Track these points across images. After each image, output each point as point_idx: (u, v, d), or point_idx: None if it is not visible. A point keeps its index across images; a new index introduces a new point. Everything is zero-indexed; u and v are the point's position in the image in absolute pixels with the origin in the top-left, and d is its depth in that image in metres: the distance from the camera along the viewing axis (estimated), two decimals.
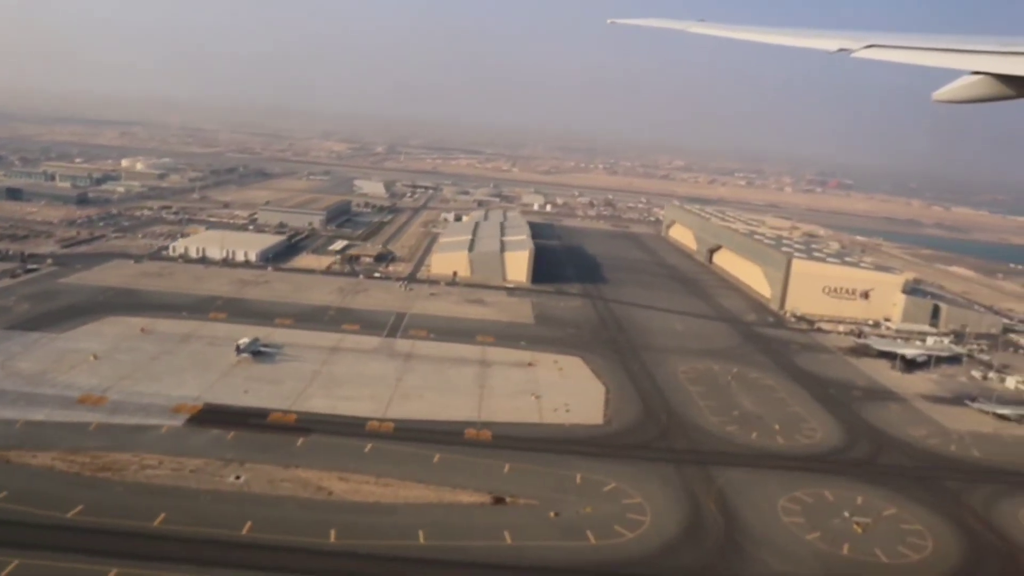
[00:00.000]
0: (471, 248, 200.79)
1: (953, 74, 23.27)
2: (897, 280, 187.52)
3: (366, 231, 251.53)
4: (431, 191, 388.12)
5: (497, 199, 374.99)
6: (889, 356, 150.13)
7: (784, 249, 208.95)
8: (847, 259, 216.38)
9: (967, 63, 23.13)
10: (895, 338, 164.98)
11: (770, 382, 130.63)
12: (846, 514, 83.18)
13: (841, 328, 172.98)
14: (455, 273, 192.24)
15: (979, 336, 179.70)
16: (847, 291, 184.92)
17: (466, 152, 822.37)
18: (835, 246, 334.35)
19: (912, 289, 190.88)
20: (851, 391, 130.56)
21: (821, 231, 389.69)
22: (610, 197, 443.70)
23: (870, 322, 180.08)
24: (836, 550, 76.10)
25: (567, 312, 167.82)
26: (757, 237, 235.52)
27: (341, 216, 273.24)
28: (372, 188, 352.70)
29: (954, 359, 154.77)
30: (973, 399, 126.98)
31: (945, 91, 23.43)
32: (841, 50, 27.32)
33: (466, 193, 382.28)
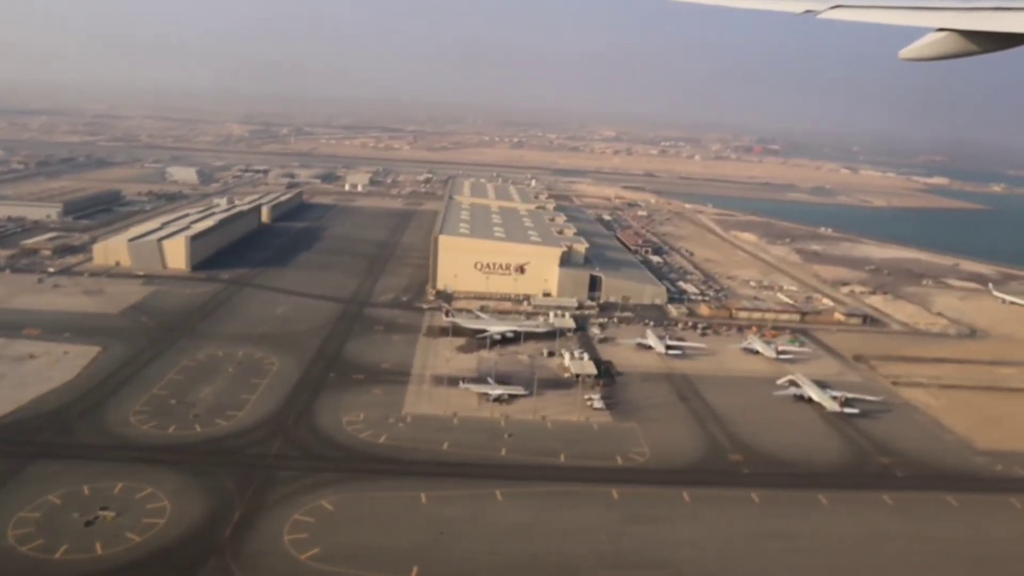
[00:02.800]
0: (142, 237, 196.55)
1: (919, 32, 23.48)
2: (554, 253, 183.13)
3: (101, 222, 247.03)
4: (261, 174, 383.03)
5: (319, 180, 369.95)
6: (478, 334, 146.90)
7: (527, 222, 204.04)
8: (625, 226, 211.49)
9: (932, 20, 23.36)
10: (502, 316, 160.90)
11: (274, 366, 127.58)
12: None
13: (490, 304, 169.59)
14: (117, 263, 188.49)
15: (643, 307, 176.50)
16: (501, 266, 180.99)
17: (386, 130, 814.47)
18: (642, 213, 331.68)
19: (567, 260, 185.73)
20: (369, 371, 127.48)
21: (653, 199, 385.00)
22: (454, 173, 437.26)
23: (520, 296, 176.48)
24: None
25: (179, 300, 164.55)
26: (496, 212, 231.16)
27: (98, 206, 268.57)
28: (183, 175, 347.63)
29: (552, 334, 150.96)
30: (466, 380, 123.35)
31: (911, 49, 23.59)
32: (807, 12, 27.37)
33: (291, 176, 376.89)
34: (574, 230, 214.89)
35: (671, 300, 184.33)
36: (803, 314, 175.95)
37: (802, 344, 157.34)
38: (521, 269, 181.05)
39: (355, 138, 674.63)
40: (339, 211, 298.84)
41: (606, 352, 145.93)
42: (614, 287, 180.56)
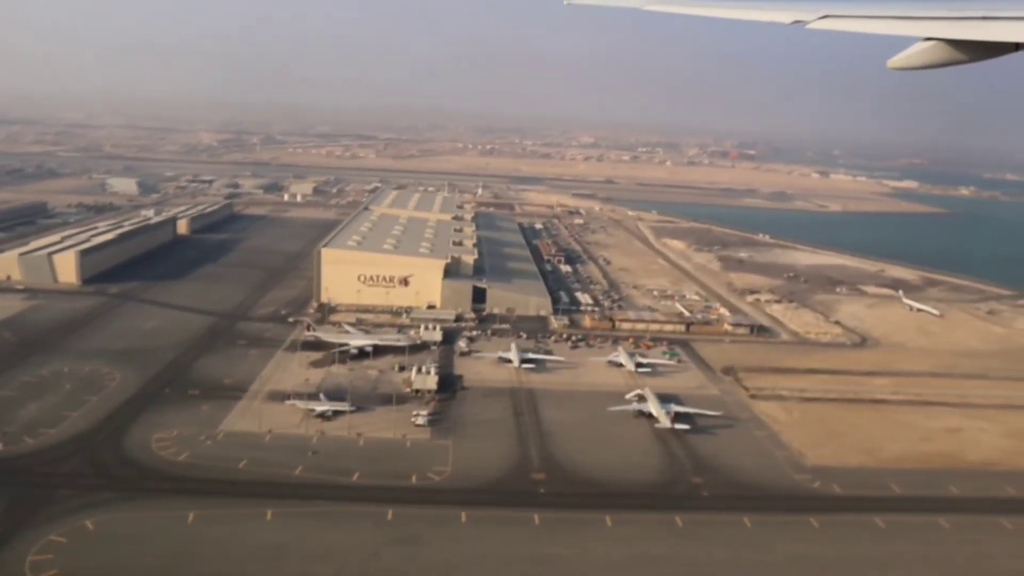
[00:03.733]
0: (35, 251, 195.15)
1: (907, 41, 23.79)
2: (437, 264, 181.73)
3: (18, 234, 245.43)
4: (206, 185, 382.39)
5: (261, 191, 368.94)
6: (336, 348, 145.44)
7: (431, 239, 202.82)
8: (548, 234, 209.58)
9: (920, 30, 23.61)
10: (370, 330, 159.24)
11: (115, 382, 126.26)
12: None
13: (370, 317, 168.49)
14: (8, 277, 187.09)
15: (526, 319, 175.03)
16: (385, 278, 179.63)
17: (361, 138, 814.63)
18: (579, 222, 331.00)
19: (453, 271, 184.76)
20: (207, 387, 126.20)
21: (598, 206, 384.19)
22: (406, 183, 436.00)
23: (403, 308, 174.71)
24: None
25: (54, 315, 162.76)
26: (403, 223, 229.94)
27: (20, 219, 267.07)
28: (124, 186, 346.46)
29: (414, 348, 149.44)
30: (293, 396, 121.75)
31: (899, 58, 23.90)
32: (796, 22, 27.63)
33: (235, 186, 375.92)
34: (474, 241, 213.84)
35: (565, 311, 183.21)
36: (688, 325, 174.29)
37: (676, 356, 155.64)
38: (405, 281, 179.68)
39: (323, 147, 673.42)
40: (267, 222, 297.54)
41: (464, 366, 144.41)
42: (499, 298, 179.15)
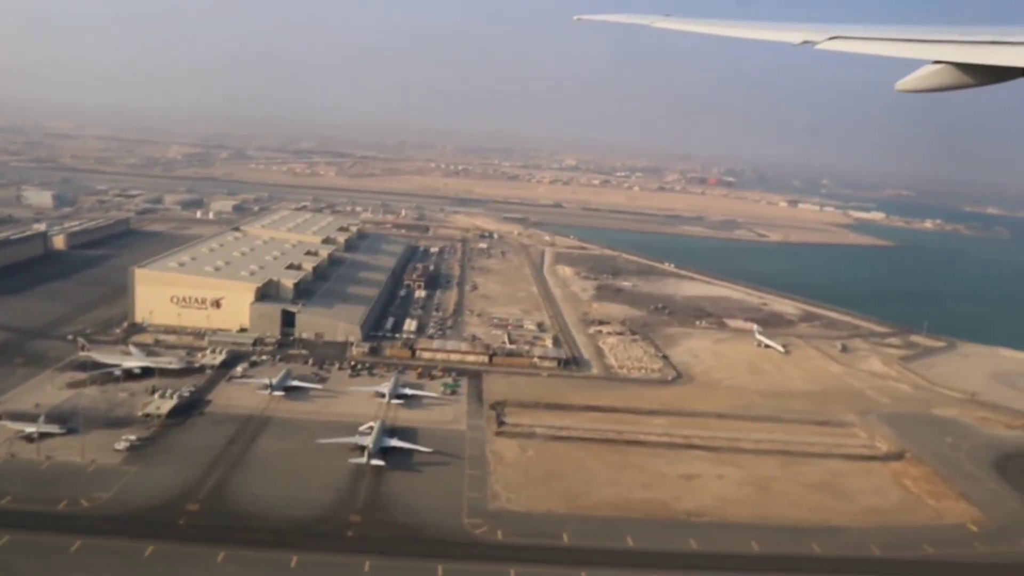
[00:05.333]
0: None
1: (915, 64, 23.95)
2: (248, 287, 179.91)
3: None
4: (128, 199, 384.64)
5: (179, 207, 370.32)
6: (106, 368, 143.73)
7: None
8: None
9: (928, 53, 23.78)
10: (156, 352, 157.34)
11: None
12: None
13: (172, 339, 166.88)
14: None
15: (331, 345, 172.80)
16: (197, 300, 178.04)
17: (338, 155, 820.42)
18: (482, 246, 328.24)
19: (268, 294, 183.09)
20: None
21: (517, 229, 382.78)
22: (340, 202, 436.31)
23: (213, 331, 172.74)
24: None
25: None
26: (259, 243, 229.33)
27: None
28: (39, 199, 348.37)
29: (189, 371, 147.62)
30: (5, 416, 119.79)
31: (907, 81, 24.01)
32: (805, 42, 27.78)
33: (158, 202, 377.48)
34: (317, 264, 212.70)
35: (383, 337, 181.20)
36: (491, 356, 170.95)
37: (454, 389, 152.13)
38: (217, 304, 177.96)
39: (288, 163, 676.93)
40: (160, 239, 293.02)
41: (223, 391, 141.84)
42: (308, 323, 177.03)
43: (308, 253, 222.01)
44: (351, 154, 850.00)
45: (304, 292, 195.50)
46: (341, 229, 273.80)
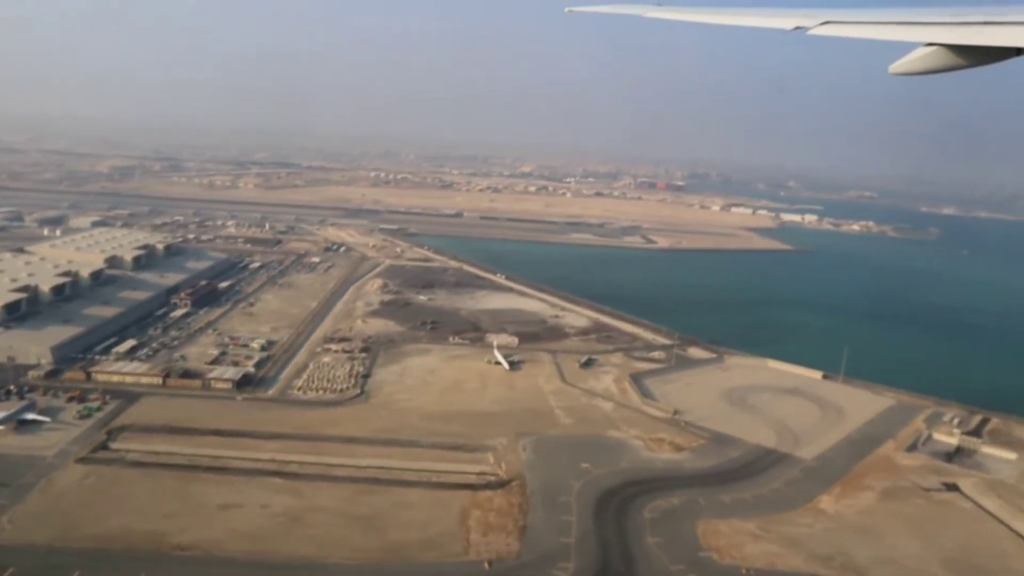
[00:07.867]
0: None
1: (909, 47, 24.04)
2: None
3: None
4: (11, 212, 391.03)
5: (37, 224, 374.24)
6: None
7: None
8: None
9: (921, 35, 23.90)
10: None
11: None
12: None
13: None
14: None
15: (24, 367, 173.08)
16: None
17: (283, 166, 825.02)
18: (314, 260, 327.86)
19: None
20: None
21: (373, 240, 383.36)
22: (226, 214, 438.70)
23: None
24: None
25: None
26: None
27: None
28: None
29: None
30: None
31: (900, 64, 24.14)
32: (797, 28, 27.98)
33: (17, 219, 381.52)
34: (62, 283, 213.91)
35: (92, 360, 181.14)
36: (165, 377, 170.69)
37: (89, 413, 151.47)
38: None
39: (209, 176, 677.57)
40: None
41: None
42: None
43: (62, 274, 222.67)
44: (298, 164, 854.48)
45: (30, 313, 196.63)
46: (142, 247, 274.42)
